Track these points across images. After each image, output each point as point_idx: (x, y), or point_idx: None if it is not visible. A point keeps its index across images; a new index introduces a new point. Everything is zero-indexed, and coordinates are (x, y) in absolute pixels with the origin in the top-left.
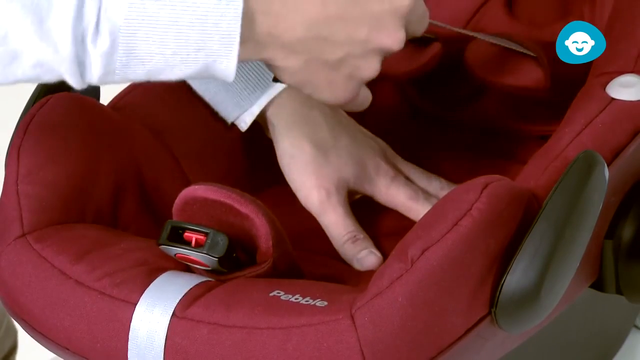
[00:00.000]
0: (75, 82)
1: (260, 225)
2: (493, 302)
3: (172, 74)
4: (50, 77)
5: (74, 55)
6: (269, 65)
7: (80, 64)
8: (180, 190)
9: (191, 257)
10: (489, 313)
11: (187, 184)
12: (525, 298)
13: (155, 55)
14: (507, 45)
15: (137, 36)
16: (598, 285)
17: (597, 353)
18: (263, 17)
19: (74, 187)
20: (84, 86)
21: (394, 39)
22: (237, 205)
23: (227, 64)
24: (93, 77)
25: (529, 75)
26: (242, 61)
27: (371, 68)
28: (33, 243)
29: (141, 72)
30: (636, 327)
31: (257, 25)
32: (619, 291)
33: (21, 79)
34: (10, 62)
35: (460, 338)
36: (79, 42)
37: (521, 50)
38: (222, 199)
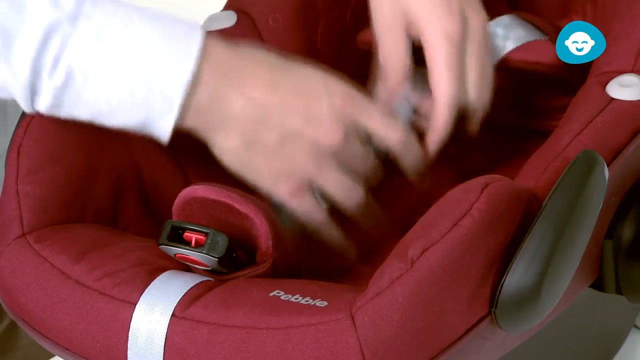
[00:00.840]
0: (25, 107)
1: (260, 225)
2: (493, 302)
3: (113, 121)
4: (3, 95)
5: (29, 83)
6: (212, 148)
7: (33, 92)
8: (180, 190)
9: (191, 257)
10: (489, 313)
11: (187, 183)
12: (525, 298)
13: (102, 102)
14: (519, 27)
15: (90, 81)
16: (598, 285)
17: (597, 353)
18: (207, 91)
19: (73, 187)
20: (33, 112)
21: (331, 137)
22: (237, 205)
23: (164, 126)
24: (41, 106)
25: (543, 52)
26: (182, 128)
27: (309, 165)
28: (33, 243)
29: (85, 114)
30: (636, 327)
31: (199, 95)
32: (619, 291)
33: None
34: None
35: (460, 338)
36: (37, 73)
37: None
38: (222, 199)
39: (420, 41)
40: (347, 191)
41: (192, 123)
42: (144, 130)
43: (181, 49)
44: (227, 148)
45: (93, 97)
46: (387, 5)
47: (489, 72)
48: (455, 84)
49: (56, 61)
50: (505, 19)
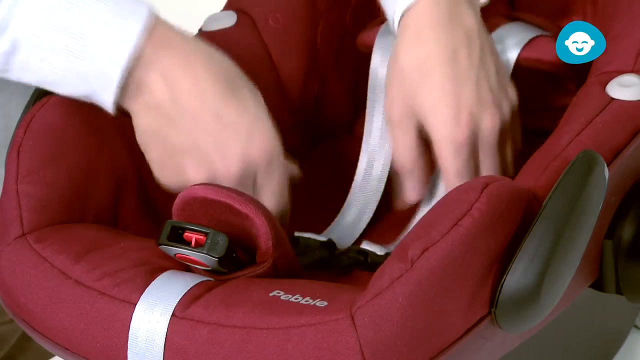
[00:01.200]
0: None
1: (260, 225)
2: (493, 302)
3: (59, 90)
4: None
5: None
6: (132, 119)
7: None
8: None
9: (191, 257)
10: (489, 313)
11: None
12: (525, 298)
13: (47, 71)
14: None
15: (34, 51)
16: (598, 285)
17: (597, 353)
18: (143, 72)
19: (74, 187)
20: None
21: (228, 172)
22: (237, 205)
23: (106, 100)
24: None
25: (545, 49)
26: (118, 102)
27: (194, 176)
28: (33, 243)
29: (32, 80)
30: (636, 327)
31: (135, 77)
32: (619, 291)
33: None
34: None
35: (460, 338)
36: None
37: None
38: (221, 199)
39: None
40: None
41: (126, 98)
42: (90, 99)
43: (124, 26)
44: (138, 126)
45: (38, 66)
46: (398, 103)
47: (498, 167)
48: None
49: (3, 28)
50: (500, 32)
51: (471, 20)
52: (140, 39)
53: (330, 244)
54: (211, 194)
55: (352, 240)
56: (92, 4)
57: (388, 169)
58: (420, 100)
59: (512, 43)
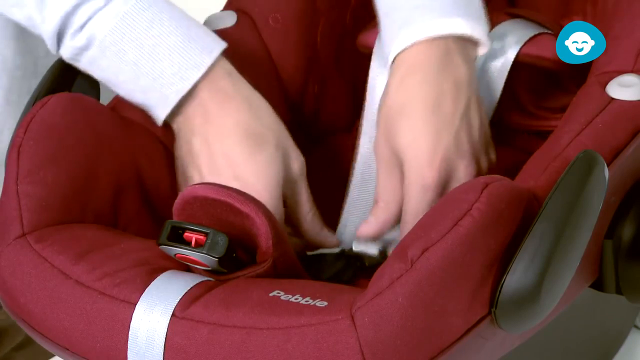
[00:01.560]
0: (51, 49)
1: (260, 224)
2: (493, 302)
3: (119, 91)
4: (36, 33)
5: (55, 33)
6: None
7: (59, 41)
8: (180, 190)
9: (191, 257)
10: (489, 313)
11: None
12: (525, 298)
13: (111, 74)
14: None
15: (104, 54)
16: (598, 285)
17: (597, 353)
18: (190, 102)
19: (74, 187)
20: (56, 54)
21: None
22: (237, 204)
23: (158, 115)
24: (63, 56)
25: (546, 47)
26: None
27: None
28: (33, 243)
29: (97, 76)
30: (636, 327)
31: (185, 104)
32: (619, 291)
33: (17, 20)
34: (15, 4)
35: (460, 338)
36: (63, 29)
37: (539, 27)
38: (222, 198)
39: None
40: None
41: (176, 119)
42: (143, 109)
43: (192, 60)
44: (176, 145)
45: (105, 66)
46: (383, 143)
47: None
48: None
49: (81, 26)
50: (501, 29)
51: (462, 72)
52: (203, 74)
53: (345, 254)
54: (212, 193)
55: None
56: (170, 28)
57: None
58: (399, 139)
59: (512, 41)
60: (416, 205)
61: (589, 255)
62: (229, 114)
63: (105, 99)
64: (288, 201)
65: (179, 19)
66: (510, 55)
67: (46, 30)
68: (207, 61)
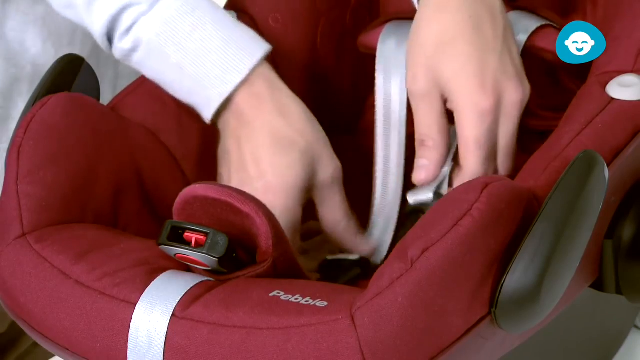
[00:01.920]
0: (104, 50)
1: (260, 224)
2: (493, 302)
3: (168, 90)
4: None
5: (104, 35)
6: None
7: (109, 42)
8: (180, 190)
9: (191, 257)
10: (489, 313)
11: (187, 184)
12: (525, 298)
13: (158, 75)
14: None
15: (150, 57)
16: (598, 285)
17: (597, 353)
18: (234, 109)
19: (74, 187)
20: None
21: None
22: (237, 204)
23: (205, 114)
24: (115, 56)
25: (551, 40)
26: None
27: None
28: (33, 243)
29: (147, 75)
30: (636, 327)
31: (228, 109)
32: (619, 291)
33: (71, 20)
34: (67, 6)
35: (460, 338)
36: (111, 31)
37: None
38: (222, 198)
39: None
40: None
41: (221, 117)
42: (193, 108)
43: (233, 64)
44: (220, 143)
45: (152, 67)
46: (422, 76)
47: (514, 146)
48: (485, 163)
49: (127, 30)
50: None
51: (494, 1)
52: (243, 79)
53: (363, 261)
54: (212, 193)
55: (384, 255)
56: (213, 31)
57: (402, 181)
58: (444, 68)
59: (519, 30)
60: (476, 133)
61: (589, 255)
62: (260, 117)
63: (105, 99)
64: (319, 208)
65: (222, 22)
66: (521, 38)
67: (96, 31)
68: (248, 65)
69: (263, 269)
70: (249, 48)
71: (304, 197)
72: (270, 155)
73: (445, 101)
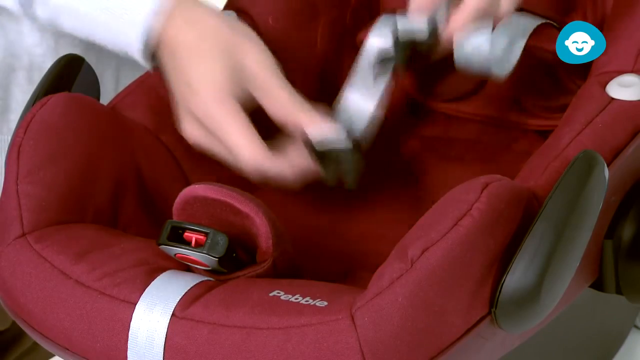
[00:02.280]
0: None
1: (260, 224)
2: (493, 302)
3: (94, 39)
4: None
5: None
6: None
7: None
8: (180, 190)
9: (191, 257)
10: (489, 313)
11: (187, 184)
12: (525, 298)
13: (75, 21)
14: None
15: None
16: (598, 285)
17: (597, 353)
18: (160, 40)
19: (73, 187)
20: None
21: (205, 191)
22: (237, 204)
23: (134, 49)
24: (39, 19)
25: (550, 38)
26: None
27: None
28: (33, 243)
29: (67, 26)
30: (636, 327)
31: (155, 41)
32: (619, 291)
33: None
34: None
35: (460, 338)
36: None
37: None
38: (222, 198)
39: None
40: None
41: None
42: (125, 53)
43: None
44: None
45: (69, 22)
46: None
47: None
48: None
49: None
50: (506, 20)
51: None
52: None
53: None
54: (212, 193)
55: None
56: None
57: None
58: None
59: (519, 31)
60: None
61: (589, 255)
62: (175, 37)
63: (105, 99)
64: (261, 101)
65: None
66: (519, 45)
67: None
68: None
69: (263, 269)
70: None
71: (242, 96)
72: (194, 73)
73: None
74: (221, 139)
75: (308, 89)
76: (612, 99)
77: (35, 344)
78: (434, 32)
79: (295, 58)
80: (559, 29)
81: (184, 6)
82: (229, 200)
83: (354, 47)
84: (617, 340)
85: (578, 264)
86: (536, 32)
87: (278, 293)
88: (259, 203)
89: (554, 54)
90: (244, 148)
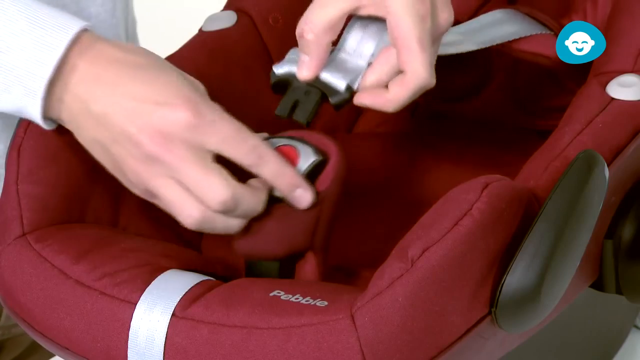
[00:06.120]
0: None
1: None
2: (493, 302)
3: None
4: None
5: None
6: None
7: None
8: None
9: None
10: (489, 313)
11: None
12: (525, 298)
13: None
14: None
15: None
16: (598, 285)
17: (597, 353)
18: (70, 94)
19: (74, 187)
20: None
21: (154, 147)
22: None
23: (33, 114)
24: None
25: (545, 44)
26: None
27: (132, 169)
28: (33, 243)
29: None
30: (636, 327)
31: (59, 89)
32: (619, 291)
33: None
34: None
35: (460, 338)
36: None
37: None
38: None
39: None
40: (179, 210)
41: (54, 111)
42: (19, 115)
43: (46, 41)
44: (84, 142)
45: None
46: None
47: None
48: (430, 68)
49: None
50: (497, 13)
51: None
52: (64, 53)
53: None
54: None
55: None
56: (14, 15)
57: None
58: None
59: (510, 29)
60: (418, 33)
61: (589, 255)
62: (111, 88)
63: None
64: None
65: (26, 4)
66: (498, 36)
67: None
68: (65, 38)
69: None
70: (62, 24)
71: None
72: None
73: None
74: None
75: None
76: (612, 99)
77: (35, 344)
78: (350, 88)
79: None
80: (554, 34)
81: (107, 61)
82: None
83: None
84: (617, 340)
85: (578, 264)
86: (531, 38)
87: (278, 293)
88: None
89: (550, 58)
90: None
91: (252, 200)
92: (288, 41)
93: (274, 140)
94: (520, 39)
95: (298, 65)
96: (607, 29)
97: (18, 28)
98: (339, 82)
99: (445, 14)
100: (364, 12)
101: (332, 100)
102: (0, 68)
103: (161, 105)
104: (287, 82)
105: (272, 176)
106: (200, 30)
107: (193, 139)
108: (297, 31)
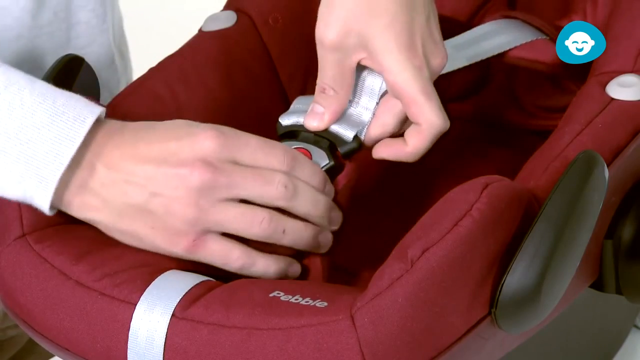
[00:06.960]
0: None
1: None
2: (493, 302)
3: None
4: None
5: None
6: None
7: None
8: None
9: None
10: (489, 313)
11: None
12: (525, 298)
13: None
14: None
15: None
16: (598, 285)
17: (597, 353)
18: (85, 176)
19: None
20: None
21: (197, 175)
22: None
23: (42, 202)
24: None
25: (543, 50)
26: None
27: (189, 212)
28: (33, 243)
29: None
30: (636, 327)
31: (73, 181)
32: (619, 291)
33: None
34: None
35: (460, 338)
36: None
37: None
38: None
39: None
40: (250, 221)
41: (68, 204)
42: (27, 202)
43: (64, 133)
44: (104, 222)
45: None
46: (337, 27)
47: None
48: (441, 112)
49: None
50: (495, 26)
51: None
52: (80, 146)
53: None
54: None
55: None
56: (33, 108)
57: None
58: (367, 25)
59: (508, 39)
60: (420, 85)
61: (589, 255)
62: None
63: (105, 99)
64: None
65: (43, 94)
66: (493, 47)
67: None
68: (82, 131)
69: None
70: (79, 113)
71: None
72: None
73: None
74: None
75: (307, 88)
76: (612, 99)
77: (31, 344)
78: (358, 138)
79: (294, 58)
80: (552, 40)
81: (124, 142)
82: None
83: None
84: (617, 340)
85: (578, 265)
86: (528, 44)
87: (278, 294)
88: None
89: (546, 64)
90: None
91: (308, 188)
92: (288, 41)
93: (287, 143)
94: (518, 47)
95: (309, 116)
96: (607, 29)
97: (38, 120)
98: (347, 132)
99: (438, 59)
100: (363, 62)
101: (342, 150)
102: (20, 159)
103: (184, 139)
104: (294, 132)
105: (308, 176)
106: (200, 30)
107: (229, 155)
108: (318, 88)
